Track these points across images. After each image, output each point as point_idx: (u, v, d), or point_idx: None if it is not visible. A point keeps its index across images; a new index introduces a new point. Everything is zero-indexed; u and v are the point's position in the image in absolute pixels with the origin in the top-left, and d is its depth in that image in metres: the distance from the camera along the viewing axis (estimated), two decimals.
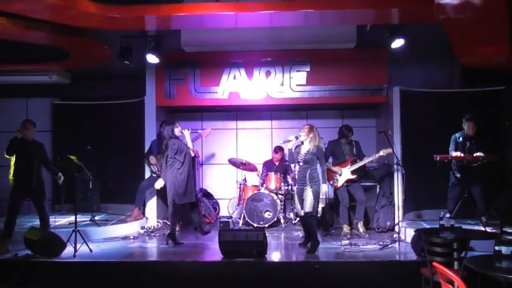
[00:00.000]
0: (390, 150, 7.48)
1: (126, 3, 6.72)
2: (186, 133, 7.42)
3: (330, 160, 7.94)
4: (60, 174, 7.23)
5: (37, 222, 7.19)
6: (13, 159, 6.85)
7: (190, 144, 7.40)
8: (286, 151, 7.97)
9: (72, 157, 7.15)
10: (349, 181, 7.73)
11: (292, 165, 7.88)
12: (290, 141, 6.86)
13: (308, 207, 6.56)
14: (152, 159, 8.36)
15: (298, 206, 6.82)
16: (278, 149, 8.83)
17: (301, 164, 6.73)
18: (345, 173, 7.70)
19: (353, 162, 7.77)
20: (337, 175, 7.72)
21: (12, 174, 6.84)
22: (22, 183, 6.81)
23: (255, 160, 9.06)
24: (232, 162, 8.84)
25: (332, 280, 5.87)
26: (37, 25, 6.73)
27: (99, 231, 7.74)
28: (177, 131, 7.28)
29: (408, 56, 8.02)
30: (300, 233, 7.59)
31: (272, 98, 8.75)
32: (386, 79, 8.51)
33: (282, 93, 8.72)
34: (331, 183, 7.78)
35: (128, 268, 6.22)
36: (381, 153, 7.61)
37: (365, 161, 7.75)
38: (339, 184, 7.71)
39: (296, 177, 6.92)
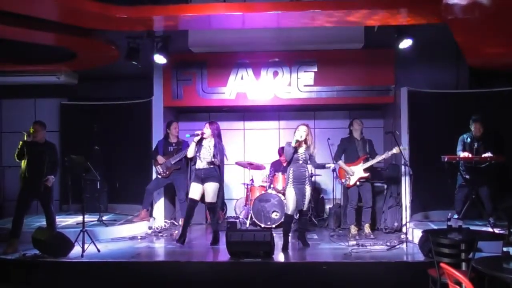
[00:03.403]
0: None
1: (133, 3, 6.75)
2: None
3: (343, 158, 7.82)
4: (52, 177, 6.92)
5: (45, 222, 7.21)
6: (24, 160, 6.79)
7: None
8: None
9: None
10: (361, 179, 7.61)
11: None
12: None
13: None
14: (160, 159, 8.30)
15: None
16: (282, 151, 8.79)
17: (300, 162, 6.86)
18: (358, 171, 7.57)
19: (366, 160, 7.64)
20: (349, 174, 7.61)
21: (21, 175, 6.82)
22: (30, 185, 6.77)
23: (262, 161, 9.06)
24: (239, 164, 8.85)
25: (339, 281, 5.84)
26: (44, 26, 6.76)
27: (106, 231, 7.76)
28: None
29: (416, 56, 7.99)
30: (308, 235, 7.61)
31: (280, 99, 8.75)
32: (393, 79, 8.49)
33: (290, 93, 8.72)
34: (342, 181, 7.75)
35: (135, 268, 6.23)
36: (394, 150, 7.40)
37: (378, 158, 7.60)
38: (351, 182, 7.59)
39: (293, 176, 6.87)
